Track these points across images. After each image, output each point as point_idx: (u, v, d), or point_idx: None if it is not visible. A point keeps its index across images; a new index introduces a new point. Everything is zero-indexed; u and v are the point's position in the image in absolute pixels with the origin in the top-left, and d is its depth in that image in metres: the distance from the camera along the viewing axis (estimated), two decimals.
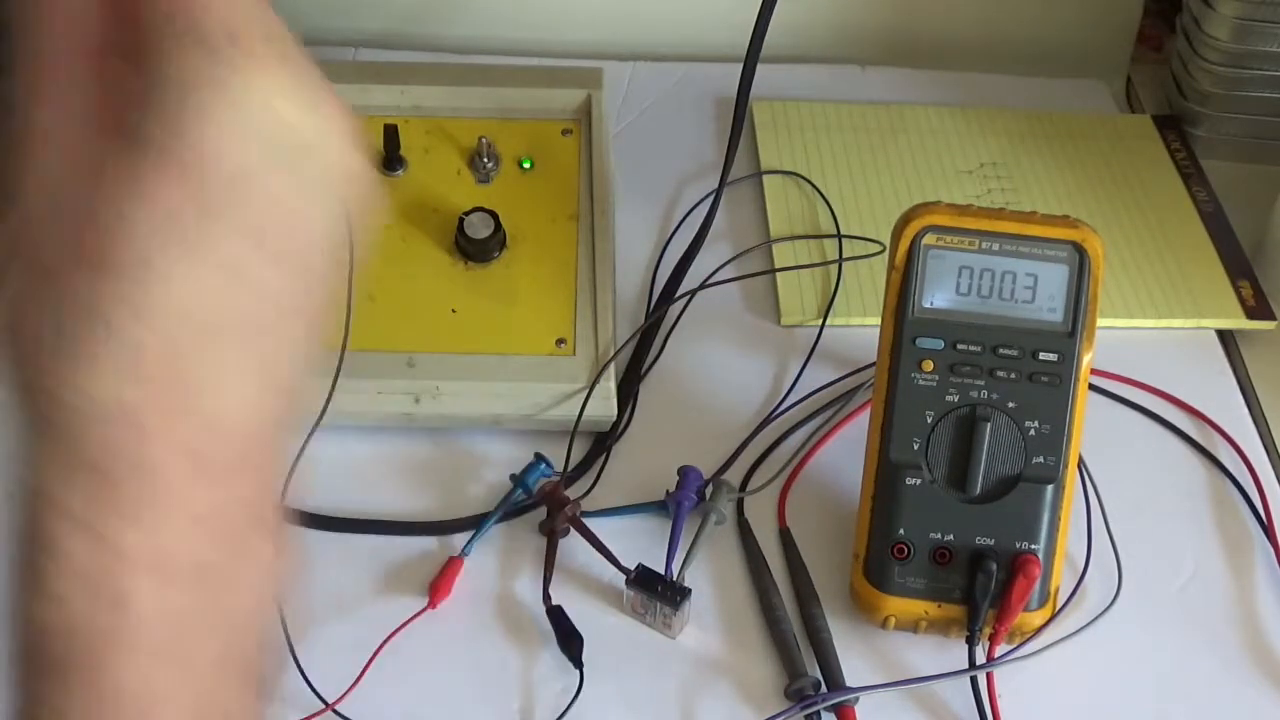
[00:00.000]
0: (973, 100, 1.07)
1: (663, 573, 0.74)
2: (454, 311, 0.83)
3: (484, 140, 0.89)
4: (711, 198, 0.94)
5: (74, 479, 0.34)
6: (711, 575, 0.76)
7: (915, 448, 0.71)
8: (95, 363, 0.33)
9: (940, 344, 0.72)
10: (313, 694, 0.69)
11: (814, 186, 0.98)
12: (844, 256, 0.93)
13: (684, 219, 0.96)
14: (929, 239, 0.72)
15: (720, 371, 0.87)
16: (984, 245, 0.72)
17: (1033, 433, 0.71)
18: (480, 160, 0.89)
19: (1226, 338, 0.91)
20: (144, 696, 0.35)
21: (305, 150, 0.36)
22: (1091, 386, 0.74)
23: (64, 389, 0.33)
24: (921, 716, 0.71)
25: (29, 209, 0.34)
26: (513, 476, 0.79)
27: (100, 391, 0.33)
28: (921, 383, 0.71)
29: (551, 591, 0.74)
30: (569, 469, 0.80)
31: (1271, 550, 0.79)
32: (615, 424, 0.82)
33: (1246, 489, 0.82)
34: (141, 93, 0.34)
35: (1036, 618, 0.72)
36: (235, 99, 0.34)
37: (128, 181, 0.33)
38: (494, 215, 0.85)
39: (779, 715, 0.70)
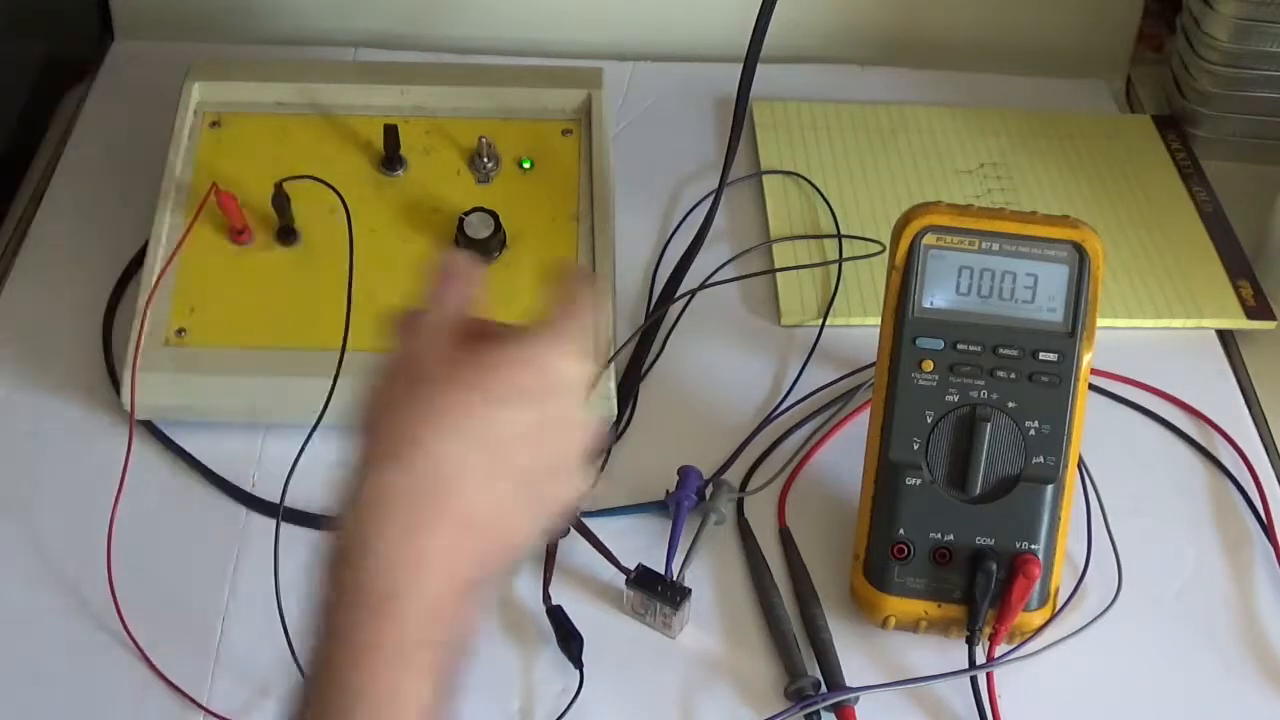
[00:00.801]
0: (973, 100, 1.06)
1: (663, 573, 0.74)
2: None
3: (484, 140, 0.89)
4: (711, 198, 0.94)
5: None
6: (711, 575, 0.76)
7: (915, 448, 0.71)
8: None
9: (940, 344, 0.72)
10: None
11: (814, 186, 0.98)
12: (844, 256, 0.93)
13: (684, 219, 0.96)
14: (929, 239, 0.72)
15: (720, 371, 0.87)
16: (984, 245, 0.72)
17: (1033, 433, 0.71)
18: (480, 160, 0.89)
19: (1226, 338, 0.91)
20: None
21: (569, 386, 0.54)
22: (1091, 386, 0.74)
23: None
24: (921, 716, 0.71)
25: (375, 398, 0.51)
26: None
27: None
28: (921, 383, 0.71)
29: (551, 591, 0.74)
30: None
31: (1271, 550, 0.79)
32: (615, 424, 0.82)
33: (1246, 489, 0.82)
34: (498, 339, 0.53)
35: (1036, 618, 0.72)
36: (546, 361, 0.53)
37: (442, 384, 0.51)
38: (494, 215, 0.85)
39: (779, 715, 0.69)
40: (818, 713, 0.70)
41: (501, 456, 0.51)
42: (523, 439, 0.52)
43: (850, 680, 0.71)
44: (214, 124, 0.91)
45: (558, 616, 0.73)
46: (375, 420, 0.51)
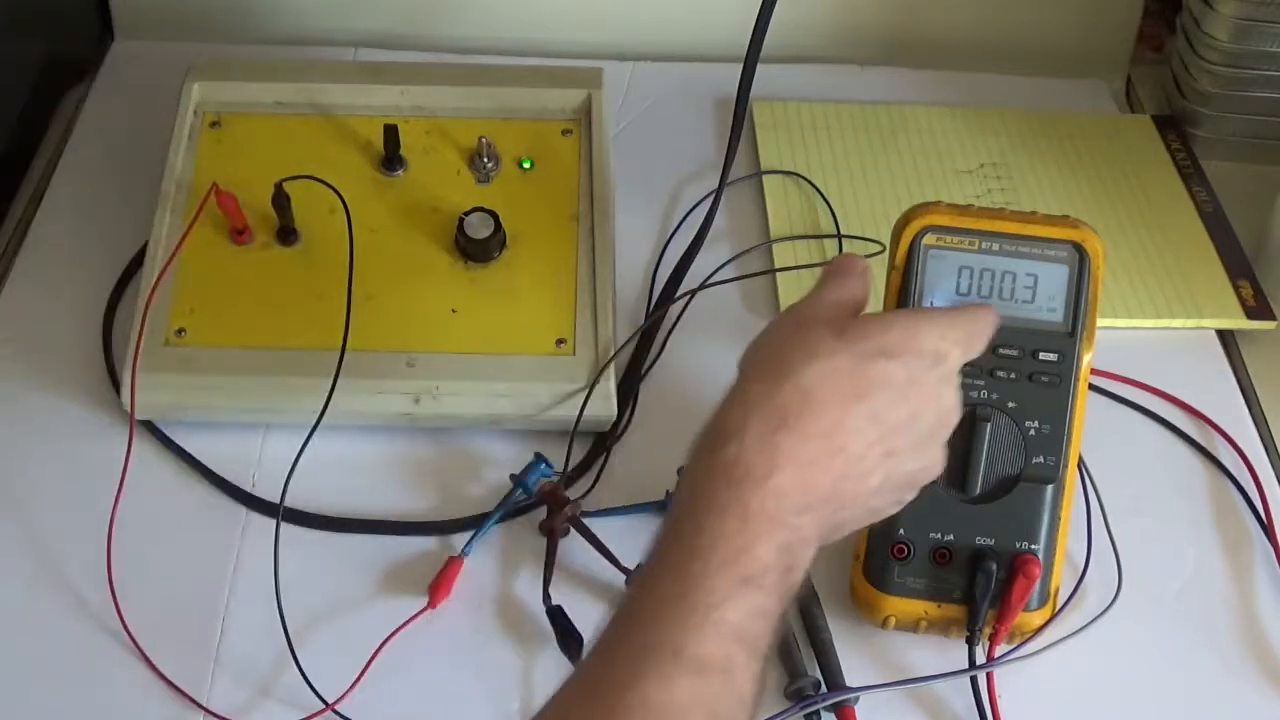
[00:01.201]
0: (973, 100, 1.06)
1: None
2: (454, 311, 0.83)
3: (484, 140, 0.89)
4: (711, 198, 0.94)
5: None
6: None
7: None
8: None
9: None
10: (313, 694, 0.69)
11: (814, 186, 0.98)
12: None
13: (684, 219, 0.96)
14: (929, 239, 0.72)
15: (720, 372, 0.86)
16: (984, 245, 0.72)
17: (1033, 433, 0.71)
18: (480, 160, 0.89)
19: (1226, 338, 0.91)
20: None
21: (936, 357, 0.61)
22: (1091, 386, 0.74)
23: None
24: (921, 716, 0.71)
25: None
26: (513, 476, 0.79)
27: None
28: None
29: (551, 591, 0.74)
30: (569, 469, 0.80)
31: (1271, 550, 0.79)
32: (615, 424, 0.82)
33: (1246, 489, 0.82)
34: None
35: (1036, 618, 0.72)
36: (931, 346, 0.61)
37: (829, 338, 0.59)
38: (494, 215, 0.85)
39: (779, 715, 0.69)
40: (818, 713, 0.70)
41: (868, 398, 0.58)
42: (890, 390, 0.59)
43: (850, 680, 0.71)
44: (214, 124, 0.91)
45: (558, 616, 0.73)
46: (758, 351, 0.61)
